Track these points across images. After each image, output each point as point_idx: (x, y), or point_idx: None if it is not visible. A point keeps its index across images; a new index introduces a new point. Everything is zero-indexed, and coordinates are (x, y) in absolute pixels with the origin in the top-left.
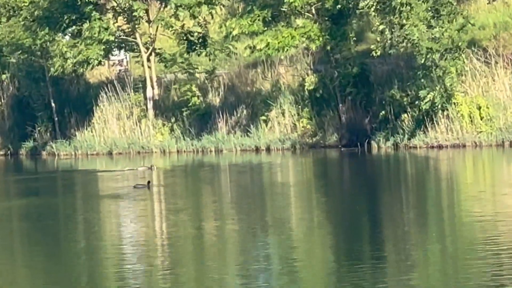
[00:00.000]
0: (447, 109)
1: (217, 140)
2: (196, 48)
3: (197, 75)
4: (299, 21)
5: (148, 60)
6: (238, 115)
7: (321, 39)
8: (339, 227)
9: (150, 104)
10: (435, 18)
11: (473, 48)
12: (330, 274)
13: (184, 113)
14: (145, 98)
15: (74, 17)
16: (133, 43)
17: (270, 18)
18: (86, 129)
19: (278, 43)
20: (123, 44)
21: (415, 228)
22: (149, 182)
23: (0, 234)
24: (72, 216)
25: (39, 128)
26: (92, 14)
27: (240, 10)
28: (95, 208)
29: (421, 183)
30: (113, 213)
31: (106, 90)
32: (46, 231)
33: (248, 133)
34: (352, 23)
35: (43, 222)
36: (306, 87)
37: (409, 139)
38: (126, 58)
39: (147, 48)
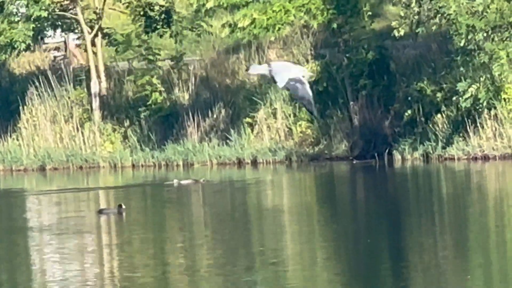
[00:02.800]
0: (495, 108)
1: (186, 150)
2: (158, 26)
3: (159, 63)
4: None
5: (93, 43)
6: (214, 116)
7: (325, 13)
8: (349, 268)
9: (96, 103)
10: None
11: None
12: None
13: (142, 115)
14: (90, 94)
15: None
16: (73, 21)
17: None
18: (10, 136)
19: (268, 19)
20: (59, 22)
21: (451, 272)
22: (120, 205)
23: None
24: None
25: None
26: None
27: None
28: (14, 242)
29: (460, 207)
30: (37, 250)
31: (37, 83)
32: None
33: (228, 141)
34: None
35: None
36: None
37: (444, 147)
38: (67, 41)
39: (92, 27)
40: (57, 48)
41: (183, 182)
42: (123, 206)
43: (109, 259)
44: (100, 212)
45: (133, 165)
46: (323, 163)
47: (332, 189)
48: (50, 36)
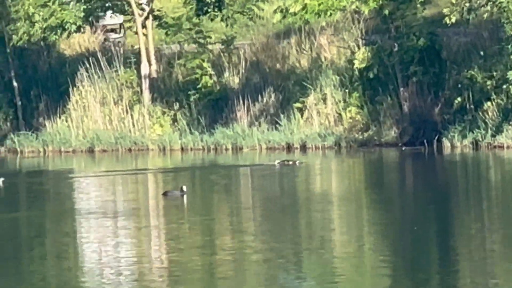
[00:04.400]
0: None
1: (235, 134)
2: (209, 10)
3: (209, 46)
4: None
5: (144, 25)
6: (264, 101)
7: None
8: (398, 254)
9: (145, 85)
10: None
11: None
12: None
13: (192, 98)
14: (139, 76)
15: None
16: (124, 3)
17: None
18: (60, 117)
19: (319, 5)
20: (110, 4)
21: (500, 259)
22: (181, 188)
23: None
24: (38, 238)
25: None
26: None
27: None
28: (63, 225)
29: (508, 195)
30: (93, 235)
31: (87, 65)
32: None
33: (277, 126)
34: None
35: None
36: (355, 65)
37: (493, 135)
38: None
39: (143, 9)
40: (114, 30)
41: (278, 162)
42: (185, 189)
43: (160, 241)
44: (165, 194)
45: (182, 148)
46: (372, 149)
47: (380, 176)
48: (103, 16)
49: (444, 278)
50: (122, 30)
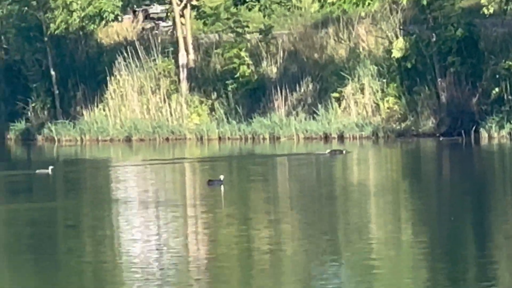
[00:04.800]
0: None
1: (272, 124)
2: (247, 0)
3: (247, 36)
4: None
5: (182, 15)
6: (302, 90)
7: None
8: (435, 244)
9: (183, 75)
10: None
11: None
12: None
13: (230, 87)
14: (177, 66)
15: None
16: None
17: None
18: (97, 106)
19: None
20: None
21: None
22: (220, 178)
23: None
24: (74, 227)
25: (33, 105)
26: None
27: None
28: (101, 214)
29: None
30: (126, 224)
31: (125, 54)
32: (36, 243)
33: (315, 116)
34: None
35: (33, 232)
36: (393, 55)
37: None
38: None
39: None
40: (160, 18)
41: (328, 151)
42: (222, 179)
43: (197, 230)
44: (209, 183)
45: (220, 138)
46: (409, 139)
47: (418, 166)
48: (154, 6)
49: (481, 268)
50: (169, 19)
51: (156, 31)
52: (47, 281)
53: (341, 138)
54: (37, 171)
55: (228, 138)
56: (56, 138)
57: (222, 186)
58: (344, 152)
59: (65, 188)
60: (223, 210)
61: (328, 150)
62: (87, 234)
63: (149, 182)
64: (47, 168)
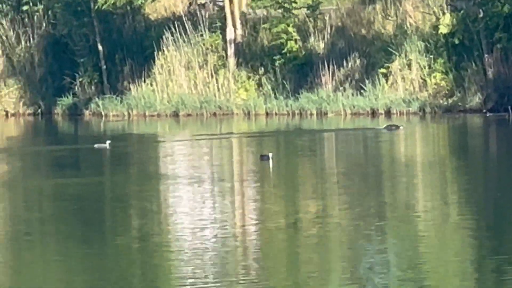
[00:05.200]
0: None
1: (320, 99)
2: None
3: (295, 11)
4: None
5: None
6: (349, 66)
7: None
8: (482, 221)
9: (231, 50)
10: None
11: None
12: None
13: (277, 63)
14: (225, 41)
15: None
16: None
17: None
18: (144, 81)
19: None
20: None
21: None
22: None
23: (31, 221)
24: (121, 202)
25: (81, 80)
26: None
27: None
28: (148, 189)
29: None
30: (179, 197)
31: (173, 29)
32: (84, 217)
33: (362, 91)
34: None
35: (82, 207)
36: (440, 31)
37: None
38: None
39: None
40: None
41: (384, 127)
42: (270, 154)
43: (244, 206)
44: (261, 157)
45: (267, 113)
46: (456, 115)
47: (464, 141)
48: None
49: None
50: None
51: (204, 7)
52: (95, 255)
53: (388, 113)
54: (96, 145)
55: (275, 114)
56: (103, 113)
57: (270, 161)
58: (400, 127)
59: (113, 163)
60: (271, 184)
61: (385, 125)
62: (134, 209)
63: (196, 157)
64: (105, 143)
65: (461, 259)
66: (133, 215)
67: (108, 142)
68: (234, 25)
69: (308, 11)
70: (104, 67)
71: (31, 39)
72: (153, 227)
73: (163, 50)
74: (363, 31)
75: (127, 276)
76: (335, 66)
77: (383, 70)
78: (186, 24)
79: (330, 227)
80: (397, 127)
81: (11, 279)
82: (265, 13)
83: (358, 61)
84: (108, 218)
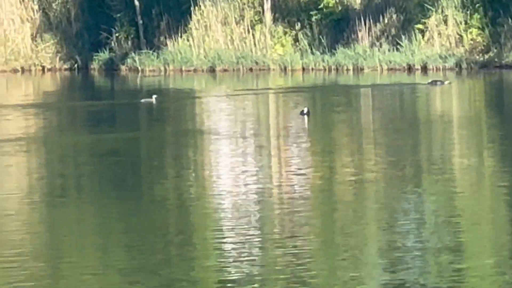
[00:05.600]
0: None
1: (356, 55)
2: None
3: None
4: None
5: None
6: (386, 21)
7: None
8: None
9: (267, 5)
10: None
11: None
12: (504, 243)
13: (313, 18)
14: None
15: None
16: None
17: None
18: (181, 37)
19: None
20: None
21: None
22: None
23: (69, 176)
24: (158, 158)
25: (117, 35)
26: None
27: None
28: (185, 144)
29: None
30: (216, 152)
31: None
32: (120, 173)
33: (399, 47)
34: None
35: (119, 162)
36: None
37: None
38: None
39: None
40: None
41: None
42: (305, 110)
43: (280, 162)
44: (301, 113)
45: (303, 69)
46: (492, 71)
47: (501, 97)
48: None
49: None
50: None
51: None
52: (131, 212)
53: (424, 69)
54: (142, 100)
55: (312, 69)
56: (139, 68)
57: (306, 117)
58: (445, 82)
59: (149, 119)
60: (307, 141)
61: (429, 80)
62: (171, 165)
63: (233, 112)
64: (151, 97)
65: (496, 217)
66: (170, 171)
67: (154, 96)
68: None
69: None
70: (141, 22)
71: None
72: (191, 183)
73: (200, 5)
74: None
75: (164, 232)
76: (371, 22)
77: (419, 26)
78: None
79: (366, 185)
80: (442, 82)
81: (46, 237)
82: None
83: (394, 17)
84: (145, 174)
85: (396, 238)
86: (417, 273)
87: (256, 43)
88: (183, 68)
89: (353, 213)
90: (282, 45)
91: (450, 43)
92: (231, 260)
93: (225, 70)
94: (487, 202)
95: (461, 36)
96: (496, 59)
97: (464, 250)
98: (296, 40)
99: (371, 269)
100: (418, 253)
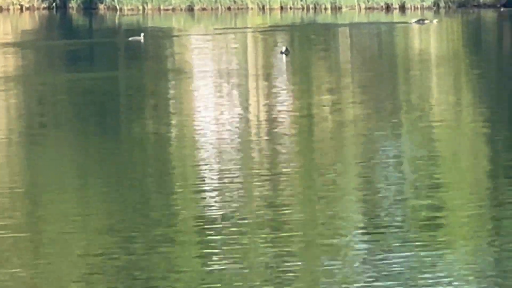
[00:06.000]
0: None
1: None
2: None
3: None
4: None
5: None
6: None
7: None
8: (494, 110)
9: None
10: None
11: None
12: (484, 178)
13: None
14: None
15: None
16: None
17: None
18: None
19: None
20: None
21: None
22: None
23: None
24: (138, 95)
25: None
26: None
27: None
28: (164, 83)
29: None
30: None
31: None
32: (98, 112)
33: None
34: None
35: (97, 101)
36: None
37: None
38: None
39: None
40: None
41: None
42: (283, 49)
43: (259, 99)
44: (281, 52)
45: (281, 7)
46: (470, 10)
47: (478, 36)
48: None
49: None
50: None
51: None
52: (109, 149)
53: (402, 8)
54: (130, 38)
55: (290, 8)
56: (118, 7)
57: (285, 56)
58: (433, 21)
59: (128, 57)
60: (286, 79)
61: (415, 19)
62: (150, 103)
63: (212, 51)
64: (140, 35)
65: (473, 151)
66: (148, 110)
67: (142, 34)
68: None
69: None
70: None
71: None
72: (169, 120)
73: None
74: None
75: (142, 168)
76: None
77: None
78: None
79: (344, 122)
80: (427, 21)
81: (26, 174)
82: None
83: None
84: (123, 113)
85: (373, 173)
86: (394, 206)
87: None
88: (162, 7)
89: (331, 150)
90: None
91: None
92: (209, 195)
93: (204, 9)
94: (464, 137)
95: None
96: None
97: (441, 184)
98: None
99: (348, 204)
100: (397, 188)
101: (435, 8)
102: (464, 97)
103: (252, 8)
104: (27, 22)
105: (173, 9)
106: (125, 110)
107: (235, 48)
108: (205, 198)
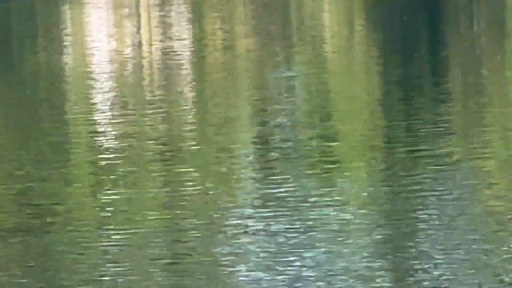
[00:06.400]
0: None
1: None
2: None
3: None
4: None
5: None
6: None
7: None
8: (390, 43)
9: None
10: None
11: None
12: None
13: None
14: None
15: None
16: None
17: None
18: None
19: None
20: None
21: None
22: None
23: None
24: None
25: None
26: None
27: None
28: (58, 18)
29: None
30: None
31: None
32: None
33: None
34: None
35: None
36: None
37: None
38: None
39: None
40: None
41: None
42: None
43: (149, 27)
44: None
45: None
46: None
47: None
48: None
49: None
50: None
51: None
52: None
53: None
54: None
55: None
56: None
57: None
58: None
59: None
60: (180, 4)
61: None
62: (41, 36)
63: None
64: None
65: (368, 87)
66: (41, 42)
67: None
68: None
69: None
70: None
71: None
72: (63, 55)
73: None
74: None
75: (30, 101)
76: None
77: None
78: None
79: (237, 53)
80: None
81: None
82: None
83: None
84: (15, 45)
85: (265, 103)
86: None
87: None
88: None
89: (223, 81)
90: None
91: None
92: (106, 122)
93: None
94: (356, 67)
95: None
96: None
97: (332, 116)
98: None
99: (242, 126)
100: (291, 118)
101: None
102: (356, 32)
103: None
104: None
105: None
106: (16, 42)
107: None
108: (95, 119)
